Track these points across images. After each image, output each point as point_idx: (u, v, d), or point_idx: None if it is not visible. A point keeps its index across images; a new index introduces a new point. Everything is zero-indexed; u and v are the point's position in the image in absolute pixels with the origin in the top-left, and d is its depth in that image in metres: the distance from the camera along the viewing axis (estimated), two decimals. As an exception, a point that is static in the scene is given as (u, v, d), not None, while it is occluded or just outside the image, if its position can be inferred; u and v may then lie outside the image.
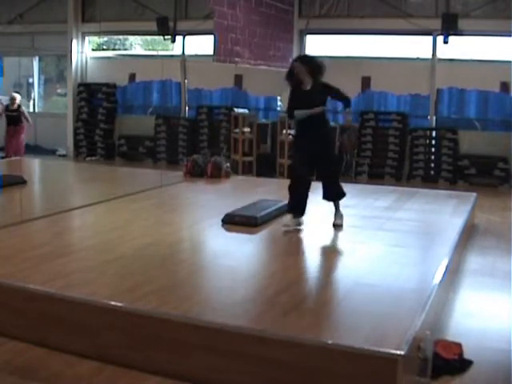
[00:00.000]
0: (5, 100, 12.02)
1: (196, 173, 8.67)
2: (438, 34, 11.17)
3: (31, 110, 14.42)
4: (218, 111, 13.13)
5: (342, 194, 5.95)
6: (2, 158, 11.43)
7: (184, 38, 13.27)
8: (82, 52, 14.13)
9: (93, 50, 14.58)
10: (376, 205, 7.08)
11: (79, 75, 14.16)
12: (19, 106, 11.55)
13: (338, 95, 5.77)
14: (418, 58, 11.91)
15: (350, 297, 3.86)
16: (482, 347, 3.78)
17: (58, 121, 13.96)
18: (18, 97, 11.62)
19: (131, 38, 15.14)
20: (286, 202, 6.24)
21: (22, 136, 11.63)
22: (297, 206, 5.75)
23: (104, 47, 14.99)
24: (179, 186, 8.33)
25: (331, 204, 7.02)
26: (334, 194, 5.95)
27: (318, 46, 12.59)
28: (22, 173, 8.23)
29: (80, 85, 14.04)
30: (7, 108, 11.51)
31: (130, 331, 3.51)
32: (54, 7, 13.99)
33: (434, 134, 11.69)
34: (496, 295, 4.89)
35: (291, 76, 5.66)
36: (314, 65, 5.60)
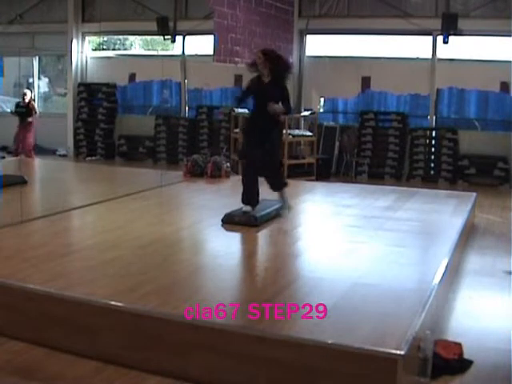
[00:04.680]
0: (2, 101, 12.13)
1: (196, 173, 8.67)
2: (438, 34, 11.17)
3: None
4: (217, 111, 13.12)
5: (284, 184, 6.11)
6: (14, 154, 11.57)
7: (184, 38, 13.26)
8: (81, 52, 14.12)
9: (93, 49, 14.58)
10: (376, 205, 7.08)
11: (79, 75, 14.16)
12: (29, 102, 11.69)
13: (284, 103, 5.88)
14: (417, 58, 11.91)
15: (350, 297, 3.86)
16: (482, 347, 3.78)
17: (58, 121, 13.95)
18: (28, 92, 11.83)
19: (131, 38, 15.14)
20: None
21: (31, 132, 11.78)
22: (251, 199, 5.93)
23: (104, 47, 14.99)
24: (179, 186, 8.33)
25: (331, 204, 7.06)
26: (276, 186, 6.07)
27: (317, 45, 12.60)
28: (22, 173, 8.23)
29: (80, 85, 14.04)
30: (17, 105, 11.67)
31: (130, 331, 3.51)
32: (54, 7, 13.99)
33: (433, 133, 11.68)
34: (496, 295, 4.89)
35: (252, 65, 5.95)
36: (275, 63, 5.83)
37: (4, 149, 13.19)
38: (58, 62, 15.52)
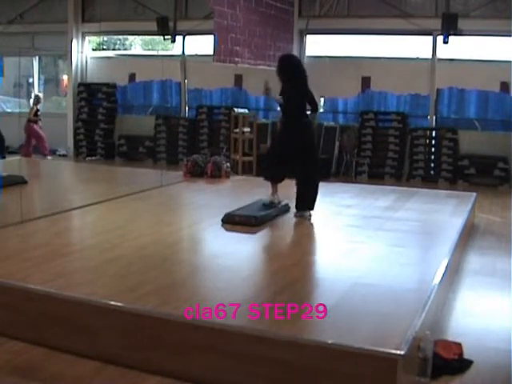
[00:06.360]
0: (2, 101, 12.30)
1: (196, 173, 8.67)
2: (438, 34, 11.18)
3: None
4: (217, 111, 13.14)
5: (314, 202, 6.06)
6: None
7: (184, 38, 13.27)
8: (81, 52, 14.13)
9: (93, 49, 14.58)
10: (376, 205, 7.07)
11: (79, 75, 14.17)
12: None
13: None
14: (417, 58, 11.92)
15: (350, 297, 3.86)
16: (482, 347, 3.78)
17: (58, 121, 13.96)
18: (41, 96, 12.47)
19: (131, 38, 15.14)
20: (287, 201, 6.27)
21: None
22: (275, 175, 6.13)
23: (104, 47, 14.99)
24: (179, 186, 8.33)
25: (331, 204, 7.05)
26: (308, 200, 6.03)
27: (318, 45, 12.60)
28: (22, 173, 8.22)
29: (80, 85, 14.05)
30: (38, 110, 12.13)
31: (129, 331, 3.51)
32: (54, 7, 14.00)
33: (433, 133, 11.69)
34: (496, 295, 4.89)
35: None
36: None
37: (6, 148, 13.19)
38: (56, 62, 15.51)
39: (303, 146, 5.94)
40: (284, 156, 5.97)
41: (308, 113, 6.16)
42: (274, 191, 6.21)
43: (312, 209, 6.05)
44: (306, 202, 6.02)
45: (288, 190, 6.21)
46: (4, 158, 11.46)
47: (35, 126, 12.10)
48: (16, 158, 11.22)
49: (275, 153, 6.16)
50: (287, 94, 5.95)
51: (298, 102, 5.97)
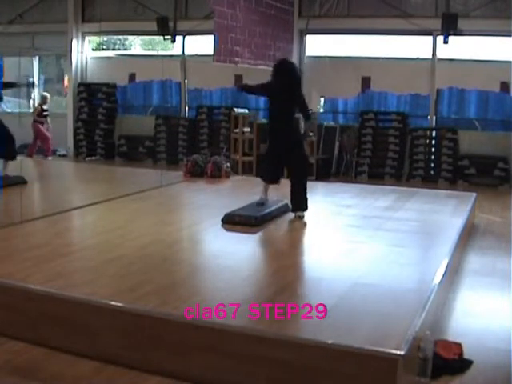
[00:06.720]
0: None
1: (196, 173, 8.68)
2: (438, 34, 11.18)
3: (31, 110, 14.41)
4: (217, 111, 13.13)
5: (305, 206, 6.06)
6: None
7: (184, 38, 13.26)
8: (81, 52, 14.13)
9: (93, 49, 14.58)
10: (376, 205, 7.08)
11: (79, 75, 14.17)
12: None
13: None
14: (418, 58, 11.92)
15: (350, 297, 3.86)
16: (482, 347, 3.78)
17: (58, 121, 13.95)
18: (48, 96, 12.54)
19: (131, 38, 15.14)
20: (286, 201, 6.27)
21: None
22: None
23: (104, 47, 14.99)
24: (179, 186, 8.33)
25: (331, 204, 7.06)
26: (299, 202, 6.06)
27: (318, 45, 12.60)
28: (23, 173, 8.22)
29: (80, 85, 14.05)
30: (43, 110, 12.23)
31: (130, 331, 3.51)
32: (54, 7, 14.00)
33: (434, 133, 11.69)
34: (496, 295, 4.89)
35: None
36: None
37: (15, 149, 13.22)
38: (57, 62, 15.51)
39: (289, 147, 6.01)
40: (272, 157, 6.13)
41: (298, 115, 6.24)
42: (265, 189, 6.26)
43: (305, 210, 6.06)
44: (297, 203, 6.07)
45: (287, 190, 6.21)
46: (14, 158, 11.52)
47: (40, 127, 12.14)
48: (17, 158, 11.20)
49: (266, 154, 6.36)
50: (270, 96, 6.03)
51: (288, 106, 5.97)
